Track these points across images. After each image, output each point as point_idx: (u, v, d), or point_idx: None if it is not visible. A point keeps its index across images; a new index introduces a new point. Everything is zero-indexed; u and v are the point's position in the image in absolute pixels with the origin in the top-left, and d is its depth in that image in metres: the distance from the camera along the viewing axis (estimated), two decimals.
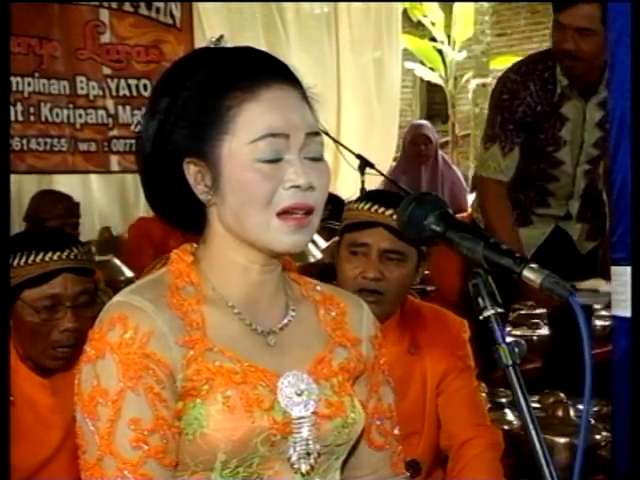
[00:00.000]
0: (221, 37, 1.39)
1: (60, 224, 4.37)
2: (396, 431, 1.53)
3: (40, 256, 2.13)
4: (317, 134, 1.35)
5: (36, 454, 2.17)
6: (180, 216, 1.39)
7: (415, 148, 6.25)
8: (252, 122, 1.30)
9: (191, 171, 1.32)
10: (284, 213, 1.30)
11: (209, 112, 1.31)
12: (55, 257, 2.13)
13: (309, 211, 1.31)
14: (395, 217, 2.14)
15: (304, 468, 1.33)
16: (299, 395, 1.33)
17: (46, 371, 2.20)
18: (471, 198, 6.46)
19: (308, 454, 1.33)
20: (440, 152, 6.59)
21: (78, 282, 2.17)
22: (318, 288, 1.49)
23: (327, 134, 4.11)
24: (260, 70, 1.33)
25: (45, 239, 2.20)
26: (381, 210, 2.17)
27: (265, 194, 1.29)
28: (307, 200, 1.31)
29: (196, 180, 1.33)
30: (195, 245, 1.41)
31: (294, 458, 1.32)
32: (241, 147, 1.29)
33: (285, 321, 1.40)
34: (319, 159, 1.34)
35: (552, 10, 3.22)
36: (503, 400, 3.02)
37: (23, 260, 2.12)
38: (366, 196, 2.31)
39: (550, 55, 3.28)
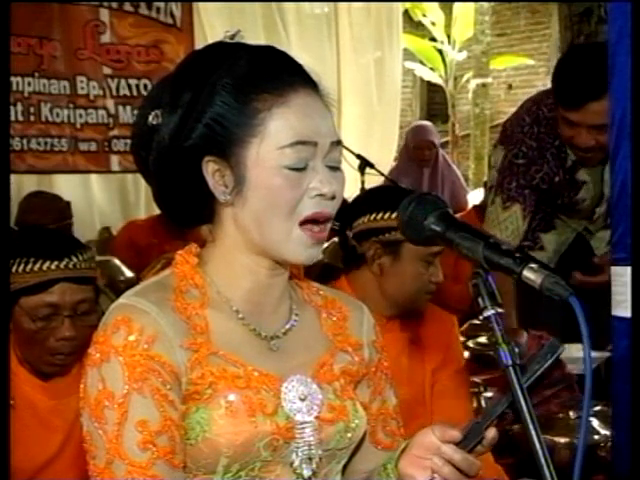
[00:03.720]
0: (237, 32, 1.37)
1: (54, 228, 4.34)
2: (402, 430, 1.53)
3: (38, 265, 2.10)
4: (339, 142, 1.34)
5: (36, 457, 2.16)
6: (186, 212, 1.37)
7: (419, 153, 6.25)
8: (282, 128, 1.28)
9: (210, 169, 1.30)
10: (306, 222, 1.29)
11: (236, 113, 1.29)
12: (53, 266, 2.10)
13: (329, 219, 1.32)
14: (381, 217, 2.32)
15: (306, 473, 1.33)
16: (302, 400, 1.33)
17: (45, 375, 2.19)
18: (471, 197, 6.47)
19: (310, 459, 1.33)
20: (441, 152, 6.59)
21: (77, 291, 2.13)
22: (321, 292, 1.49)
23: None
24: (287, 72, 1.32)
25: (45, 245, 2.16)
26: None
27: (290, 201, 1.28)
28: (328, 209, 1.31)
29: (215, 179, 1.31)
30: (197, 245, 1.40)
31: (296, 463, 1.32)
32: (269, 152, 1.28)
33: (288, 326, 1.39)
34: (338, 168, 1.34)
35: (557, 103, 3.00)
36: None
37: (21, 267, 2.10)
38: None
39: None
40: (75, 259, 2.13)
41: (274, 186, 1.28)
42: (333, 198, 1.31)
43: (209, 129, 1.29)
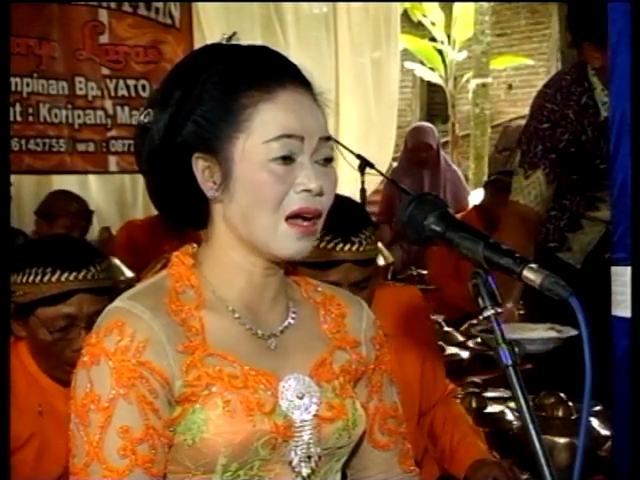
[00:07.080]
0: (234, 34, 1.38)
1: (70, 223, 4.40)
2: (402, 429, 1.52)
3: (56, 276, 2.07)
4: (329, 139, 1.34)
5: (60, 464, 2.15)
6: (181, 211, 1.37)
7: (416, 155, 6.25)
8: (268, 122, 1.28)
9: (199, 166, 1.31)
10: (292, 217, 1.29)
11: (223, 109, 1.29)
12: (71, 277, 2.07)
13: (317, 216, 1.31)
14: (356, 249, 2.10)
15: (305, 471, 1.33)
16: (300, 398, 1.33)
17: (64, 382, 2.18)
18: (471, 197, 6.47)
19: (309, 457, 1.33)
20: (442, 153, 6.58)
21: (94, 302, 2.10)
22: (319, 289, 1.49)
23: None
24: (276, 70, 1.32)
25: (63, 255, 2.12)
26: (347, 247, 2.11)
27: (276, 196, 1.28)
28: (316, 205, 1.30)
29: (204, 176, 1.31)
30: (195, 245, 1.40)
31: (295, 461, 1.32)
32: (255, 147, 1.28)
33: (286, 323, 1.39)
34: (329, 164, 1.34)
35: (578, 40, 2.95)
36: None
37: (38, 278, 2.07)
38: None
39: (584, 76, 3.03)
40: (93, 269, 2.11)
41: (259, 181, 1.28)
42: (321, 194, 1.30)
43: (197, 126, 1.30)
